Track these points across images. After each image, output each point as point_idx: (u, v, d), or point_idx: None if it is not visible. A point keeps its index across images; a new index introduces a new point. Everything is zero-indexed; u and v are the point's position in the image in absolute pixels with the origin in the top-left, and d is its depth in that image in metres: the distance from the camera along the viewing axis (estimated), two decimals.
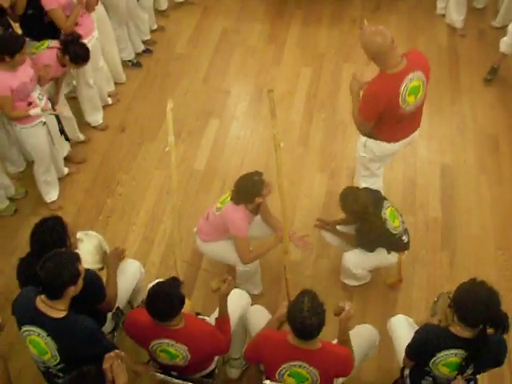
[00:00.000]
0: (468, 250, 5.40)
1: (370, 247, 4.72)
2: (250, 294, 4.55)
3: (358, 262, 4.83)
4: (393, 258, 4.81)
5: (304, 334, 3.39)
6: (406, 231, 4.77)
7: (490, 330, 3.44)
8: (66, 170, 5.99)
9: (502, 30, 7.33)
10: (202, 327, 3.77)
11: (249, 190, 4.37)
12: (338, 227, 4.94)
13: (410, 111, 4.59)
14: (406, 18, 8.00)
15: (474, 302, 3.31)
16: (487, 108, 6.73)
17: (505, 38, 6.65)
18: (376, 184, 5.18)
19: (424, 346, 3.57)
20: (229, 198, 4.51)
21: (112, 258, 4.23)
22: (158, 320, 3.55)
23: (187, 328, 3.65)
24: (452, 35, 7.66)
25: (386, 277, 5.18)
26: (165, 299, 3.46)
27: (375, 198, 4.58)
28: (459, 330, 3.44)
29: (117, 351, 3.35)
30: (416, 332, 3.68)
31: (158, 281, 3.66)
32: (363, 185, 5.08)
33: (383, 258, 4.80)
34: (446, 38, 7.65)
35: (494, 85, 6.88)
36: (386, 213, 4.58)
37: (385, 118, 4.59)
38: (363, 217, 4.51)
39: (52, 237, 3.69)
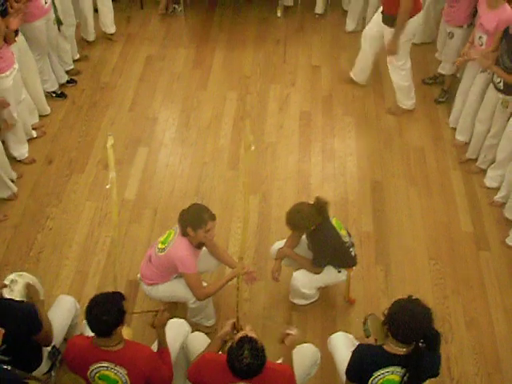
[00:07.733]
0: (402, 262, 5.47)
1: (323, 260, 4.69)
2: (204, 326, 4.77)
3: (306, 281, 4.82)
4: (342, 275, 4.86)
5: (245, 377, 3.34)
6: (352, 244, 4.80)
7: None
8: None
9: (423, 45, 7.58)
10: (143, 350, 3.70)
11: (196, 216, 4.33)
12: (296, 250, 4.90)
13: None
14: (329, 37, 8.14)
15: (406, 319, 3.35)
16: (412, 121, 6.87)
17: (442, 64, 6.92)
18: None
19: (360, 366, 3.58)
20: (171, 237, 4.45)
21: (31, 296, 4.12)
22: (98, 330, 3.48)
23: (127, 349, 3.60)
24: None
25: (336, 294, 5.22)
26: (105, 302, 3.46)
27: (320, 209, 4.55)
28: (393, 348, 3.48)
29: None
30: (352, 354, 3.68)
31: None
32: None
33: (332, 275, 4.83)
34: None
35: (416, 98, 7.02)
36: (333, 221, 4.65)
37: None
38: (315, 227, 4.54)
39: None
